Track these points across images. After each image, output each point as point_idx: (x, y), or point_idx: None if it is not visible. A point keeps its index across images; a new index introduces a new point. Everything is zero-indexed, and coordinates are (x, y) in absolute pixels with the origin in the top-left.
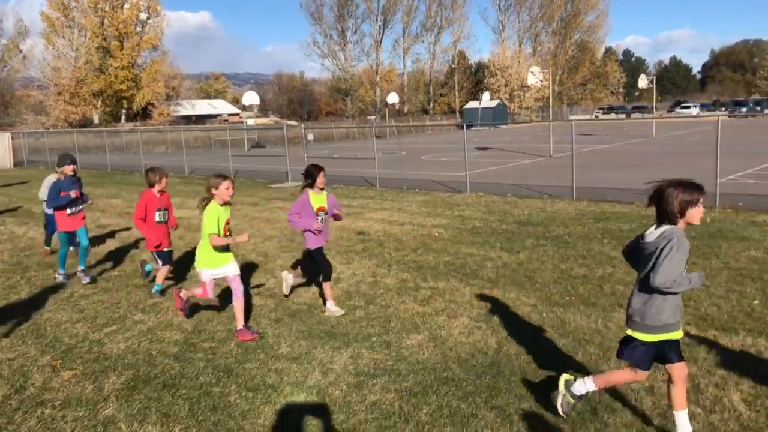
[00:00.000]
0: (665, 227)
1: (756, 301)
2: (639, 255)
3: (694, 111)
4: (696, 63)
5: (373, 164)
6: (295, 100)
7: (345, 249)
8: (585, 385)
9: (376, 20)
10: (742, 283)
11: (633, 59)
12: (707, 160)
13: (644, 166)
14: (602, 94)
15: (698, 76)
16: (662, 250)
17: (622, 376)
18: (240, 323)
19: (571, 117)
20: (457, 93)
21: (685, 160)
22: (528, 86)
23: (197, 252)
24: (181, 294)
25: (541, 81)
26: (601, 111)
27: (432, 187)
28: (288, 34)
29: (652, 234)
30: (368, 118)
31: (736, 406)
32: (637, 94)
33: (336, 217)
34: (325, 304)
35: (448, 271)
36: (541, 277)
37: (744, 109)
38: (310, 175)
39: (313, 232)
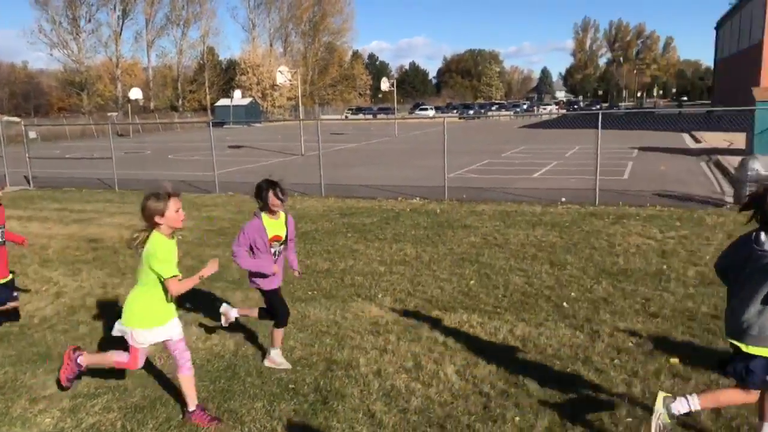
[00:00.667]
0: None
1: (472, 281)
2: (752, 264)
3: (431, 113)
4: (432, 69)
5: (111, 164)
6: (18, 94)
7: (72, 259)
8: (689, 404)
9: (114, 9)
10: (462, 266)
11: (378, 63)
12: (440, 158)
13: (387, 163)
14: (351, 95)
15: (434, 81)
16: None
17: (734, 396)
18: (193, 401)
19: (323, 117)
20: (207, 90)
21: (422, 157)
22: (277, 85)
23: (129, 306)
24: (81, 359)
25: (290, 80)
26: (351, 111)
27: (179, 187)
28: (5, 19)
29: (760, 244)
30: (109, 114)
31: (449, 378)
32: (380, 96)
33: (289, 256)
34: (265, 353)
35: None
36: (285, 274)
37: (471, 112)
38: (258, 194)
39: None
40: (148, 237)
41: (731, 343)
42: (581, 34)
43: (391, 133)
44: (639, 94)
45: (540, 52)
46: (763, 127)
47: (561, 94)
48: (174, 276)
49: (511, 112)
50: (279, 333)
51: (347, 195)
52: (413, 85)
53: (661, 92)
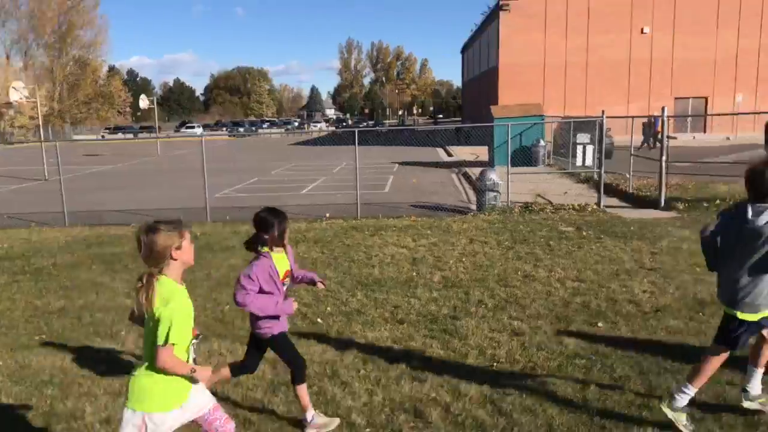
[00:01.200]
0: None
1: (227, 306)
2: (738, 238)
3: (198, 131)
4: (199, 85)
5: None
6: None
7: None
8: (687, 393)
9: None
10: (219, 291)
11: (139, 79)
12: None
13: (145, 185)
14: (109, 114)
15: (202, 98)
16: None
17: (715, 365)
18: None
19: (75, 137)
20: None
21: (185, 177)
22: (10, 103)
23: (141, 383)
24: None
25: (26, 97)
26: (108, 131)
27: None
28: None
29: (763, 217)
30: None
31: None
32: (139, 113)
33: (304, 280)
34: (305, 417)
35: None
36: (10, 318)
37: (241, 129)
38: (266, 227)
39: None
40: (153, 286)
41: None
42: (346, 54)
43: (153, 153)
44: (401, 112)
45: (308, 70)
46: (500, 141)
47: (330, 112)
48: (171, 344)
49: (282, 130)
50: (303, 389)
51: (97, 222)
52: (179, 102)
53: (420, 110)
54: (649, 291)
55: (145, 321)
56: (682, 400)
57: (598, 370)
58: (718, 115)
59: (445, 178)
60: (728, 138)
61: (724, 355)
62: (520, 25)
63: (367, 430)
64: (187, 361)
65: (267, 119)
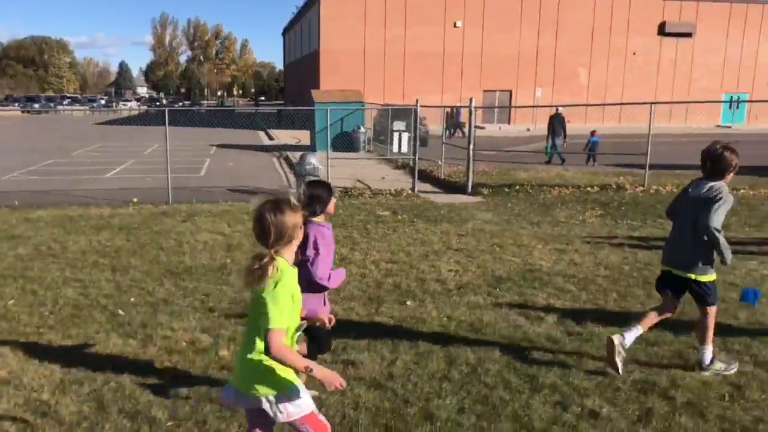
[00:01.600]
0: (714, 183)
1: (12, 301)
2: (686, 207)
3: None
4: None
5: None
6: None
7: None
8: (706, 352)
9: None
10: (3, 285)
11: None
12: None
13: None
14: None
15: None
16: (719, 199)
17: (711, 321)
18: None
19: None
20: None
21: None
22: None
23: (259, 366)
24: None
25: None
26: None
27: None
28: None
29: (700, 187)
30: None
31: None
32: None
33: None
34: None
35: None
36: None
37: (37, 106)
38: (319, 199)
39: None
40: (269, 267)
41: (672, 272)
42: (160, 30)
43: None
44: (220, 93)
45: (117, 44)
46: (321, 126)
47: (143, 90)
48: (282, 328)
49: (87, 108)
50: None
51: None
52: None
53: (240, 92)
54: (454, 270)
55: (251, 307)
56: (707, 357)
57: (404, 346)
58: (521, 107)
59: (266, 162)
60: (528, 129)
61: (714, 309)
62: (341, 11)
63: (169, 423)
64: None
65: (68, 95)
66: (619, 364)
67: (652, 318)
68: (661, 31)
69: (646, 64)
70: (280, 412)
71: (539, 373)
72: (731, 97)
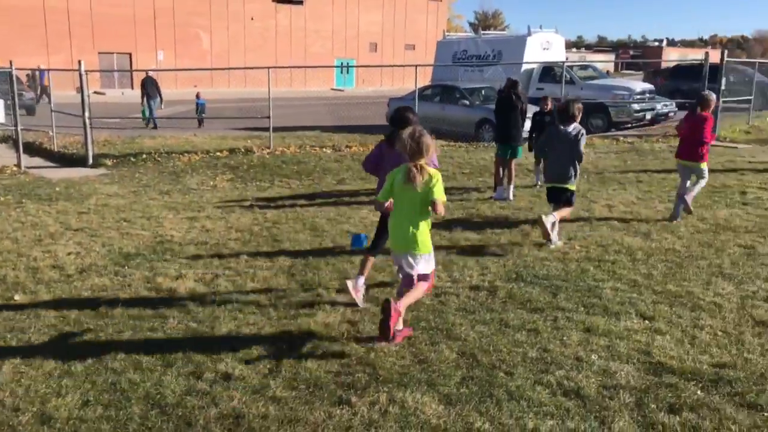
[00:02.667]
0: (575, 124)
1: None
2: (560, 139)
3: None
4: None
5: None
6: None
7: None
8: (554, 217)
9: None
10: None
11: None
12: None
13: None
14: None
15: None
16: (581, 135)
17: (568, 212)
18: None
19: None
20: None
21: None
22: None
23: (421, 236)
24: (399, 306)
25: None
26: None
27: None
28: None
29: (568, 128)
30: None
31: None
32: None
33: None
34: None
35: None
36: None
37: None
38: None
39: None
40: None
41: (556, 186)
42: None
43: None
44: None
45: None
46: None
47: None
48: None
49: None
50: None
51: None
52: None
53: None
54: (75, 252)
55: (410, 197)
56: (549, 221)
57: (10, 348)
58: (139, 71)
59: None
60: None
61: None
62: None
63: None
64: None
65: None
66: (554, 237)
67: (562, 212)
68: None
69: (265, 30)
70: (427, 262)
71: (169, 346)
72: (341, 62)
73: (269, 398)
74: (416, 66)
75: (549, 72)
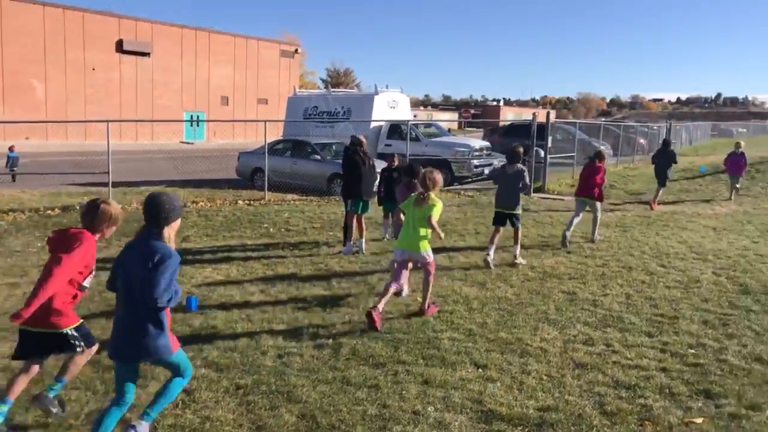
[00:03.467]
0: (518, 165)
1: None
2: (507, 176)
3: None
4: None
5: None
6: None
7: None
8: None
9: None
10: None
11: None
12: None
13: None
14: None
15: None
16: (524, 171)
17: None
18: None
19: None
20: None
21: None
22: None
23: (422, 241)
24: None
25: None
26: None
27: None
28: None
29: (511, 168)
30: None
31: None
32: None
33: None
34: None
35: None
36: None
37: None
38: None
39: None
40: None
41: (503, 212)
42: None
43: None
44: None
45: None
46: None
47: None
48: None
49: None
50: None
51: None
52: None
53: None
54: None
55: (417, 214)
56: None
57: None
58: None
59: None
60: None
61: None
62: None
63: None
64: None
65: None
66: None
67: (496, 238)
68: (120, 48)
69: (108, 81)
70: (429, 257)
71: None
72: (191, 115)
73: None
74: (266, 121)
75: (396, 129)
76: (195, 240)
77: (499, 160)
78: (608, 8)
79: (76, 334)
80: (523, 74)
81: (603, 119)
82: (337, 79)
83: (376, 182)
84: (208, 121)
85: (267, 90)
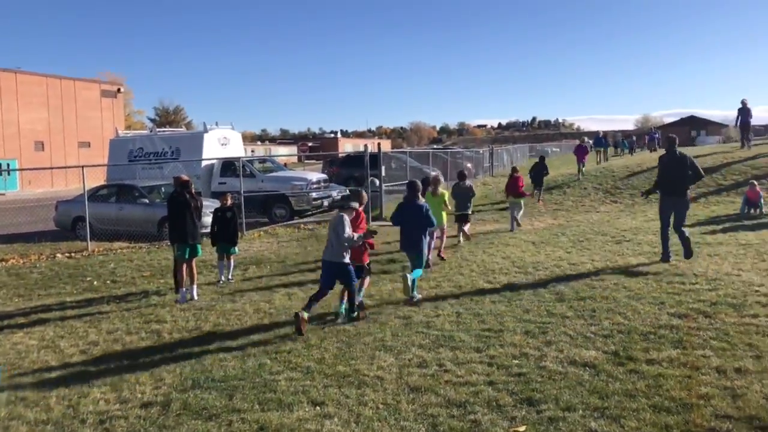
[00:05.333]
0: (467, 181)
1: None
2: (462, 194)
3: None
4: None
5: None
6: None
7: None
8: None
9: None
10: None
11: None
12: None
13: None
14: None
15: None
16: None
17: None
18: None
19: None
20: None
21: None
22: None
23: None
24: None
25: None
26: None
27: None
28: None
29: (461, 185)
30: None
31: None
32: None
33: None
34: None
35: None
36: None
37: None
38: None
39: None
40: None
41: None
42: None
43: None
44: None
45: None
46: None
47: None
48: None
49: None
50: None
51: None
52: None
53: None
54: None
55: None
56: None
57: None
58: None
59: None
60: None
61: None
62: None
63: None
64: None
65: None
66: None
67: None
68: None
69: None
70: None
71: None
72: (1, 164)
73: None
74: (83, 166)
75: (230, 167)
76: (3, 302)
77: (338, 192)
78: (431, 37)
79: None
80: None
81: (434, 146)
82: (166, 118)
83: (207, 223)
84: (18, 170)
85: (89, 132)
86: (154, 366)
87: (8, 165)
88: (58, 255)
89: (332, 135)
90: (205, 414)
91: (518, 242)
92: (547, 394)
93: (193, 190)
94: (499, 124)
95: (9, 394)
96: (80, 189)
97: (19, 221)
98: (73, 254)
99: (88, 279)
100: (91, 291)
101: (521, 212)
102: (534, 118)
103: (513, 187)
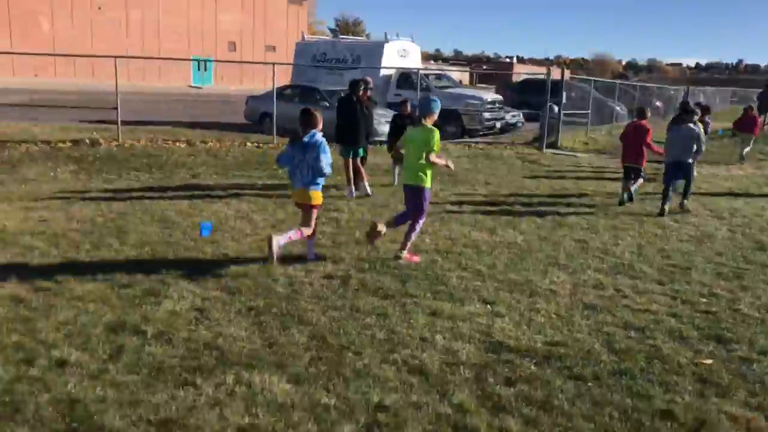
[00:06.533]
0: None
1: None
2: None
3: None
4: None
5: None
6: None
7: None
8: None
9: None
10: None
11: None
12: None
13: None
14: None
15: None
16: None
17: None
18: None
19: None
20: None
21: None
22: None
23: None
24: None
25: None
26: None
27: None
28: None
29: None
30: None
31: None
32: None
33: None
34: None
35: None
36: None
37: None
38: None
39: None
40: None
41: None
42: None
43: None
44: None
45: None
46: None
47: None
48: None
49: None
50: None
51: None
52: None
53: None
54: None
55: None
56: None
57: None
58: None
59: None
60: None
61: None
62: None
63: None
64: None
65: None
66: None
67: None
68: None
69: (115, 21)
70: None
71: None
72: (198, 59)
73: (108, 382)
74: (273, 64)
75: (406, 79)
76: (205, 177)
77: (511, 114)
78: None
79: None
80: (538, 32)
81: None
82: (346, 30)
83: (382, 131)
84: (216, 61)
85: (275, 37)
86: (333, 247)
87: (205, 61)
88: (248, 144)
89: (507, 60)
90: (380, 293)
91: (714, 187)
92: (740, 335)
93: (368, 94)
94: (697, 64)
95: (213, 249)
96: (264, 89)
97: (214, 112)
98: (261, 144)
99: (274, 167)
100: (277, 178)
101: (748, 149)
102: (740, 61)
103: (746, 125)
